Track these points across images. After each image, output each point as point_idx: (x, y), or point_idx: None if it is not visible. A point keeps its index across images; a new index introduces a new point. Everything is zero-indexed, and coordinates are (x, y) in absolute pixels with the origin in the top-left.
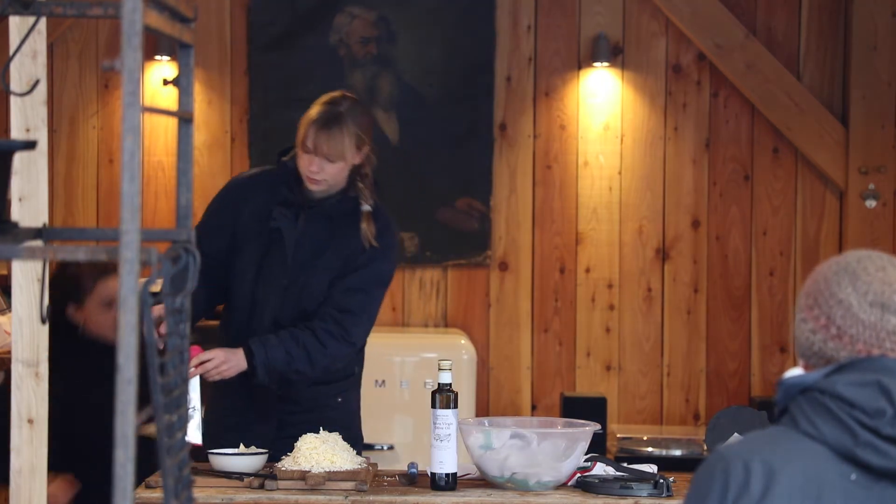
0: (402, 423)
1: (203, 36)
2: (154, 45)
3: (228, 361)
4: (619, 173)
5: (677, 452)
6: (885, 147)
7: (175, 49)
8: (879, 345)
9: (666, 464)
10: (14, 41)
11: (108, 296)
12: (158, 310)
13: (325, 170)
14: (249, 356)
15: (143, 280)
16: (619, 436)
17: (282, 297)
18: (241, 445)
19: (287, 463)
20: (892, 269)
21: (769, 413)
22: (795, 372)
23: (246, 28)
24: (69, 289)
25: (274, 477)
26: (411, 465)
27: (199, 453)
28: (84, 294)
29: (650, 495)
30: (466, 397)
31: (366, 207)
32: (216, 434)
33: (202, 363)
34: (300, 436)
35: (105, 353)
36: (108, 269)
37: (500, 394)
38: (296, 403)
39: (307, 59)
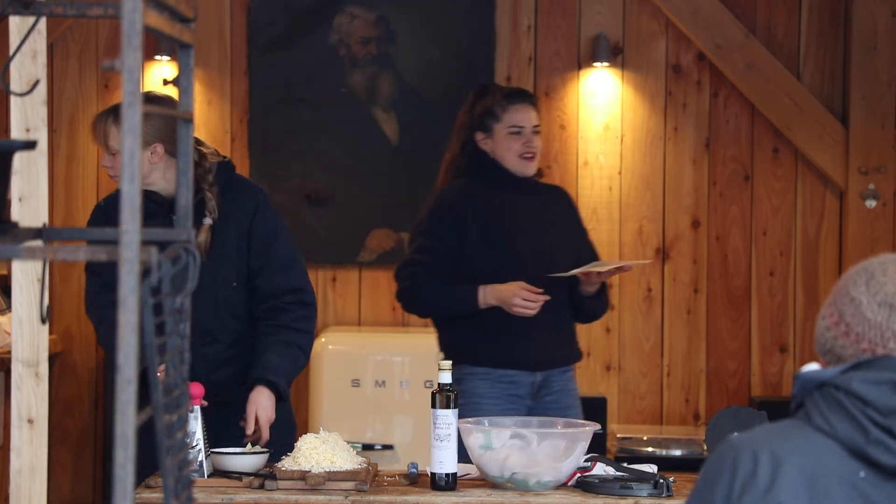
0: (402, 423)
1: (203, 36)
2: (154, 45)
3: (267, 409)
4: (619, 173)
5: (677, 452)
6: (885, 147)
7: (175, 49)
8: (884, 344)
9: (666, 464)
10: (14, 41)
11: (515, 123)
12: None
13: (113, 164)
14: (272, 387)
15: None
16: (619, 436)
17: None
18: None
19: (287, 463)
20: None
21: (770, 413)
22: (813, 367)
23: (246, 28)
24: (480, 119)
25: (274, 477)
26: (411, 465)
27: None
28: (493, 122)
29: (650, 495)
30: None
31: (207, 221)
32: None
33: (254, 432)
34: (232, 435)
35: (511, 182)
36: (516, 97)
37: None
38: (230, 406)
39: (307, 59)
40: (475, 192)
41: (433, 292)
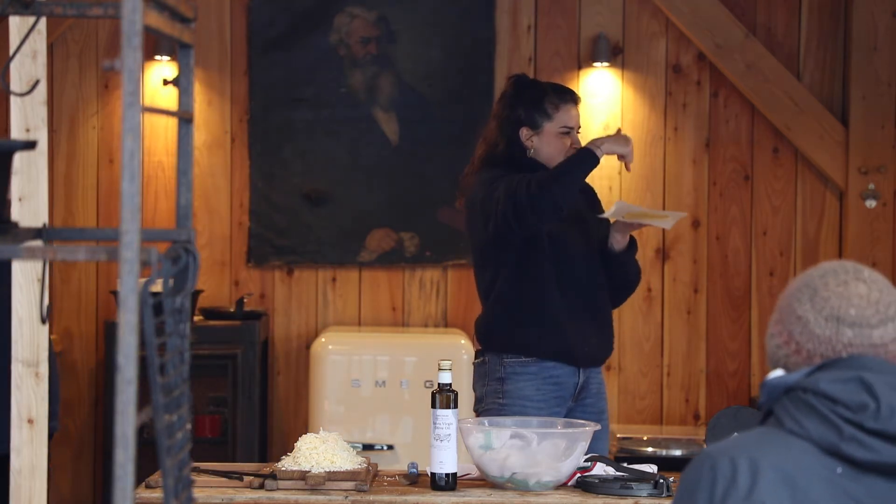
0: (402, 423)
1: (203, 36)
2: (154, 45)
3: None
4: (619, 173)
5: (677, 452)
6: (885, 147)
7: (175, 49)
8: (837, 357)
9: (666, 464)
10: (14, 41)
11: (566, 124)
12: None
13: None
14: None
15: (142, 280)
16: (619, 436)
17: None
18: None
19: (287, 463)
20: (854, 283)
21: None
22: (778, 373)
23: (246, 28)
24: (529, 114)
25: (274, 477)
26: (411, 465)
27: None
28: (545, 120)
29: (650, 495)
30: (466, 397)
31: None
32: None
33: None
34: None
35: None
36: (567, 97)
37: None
38: None
39: (307, 59)
40: None
41: (540, 176)
